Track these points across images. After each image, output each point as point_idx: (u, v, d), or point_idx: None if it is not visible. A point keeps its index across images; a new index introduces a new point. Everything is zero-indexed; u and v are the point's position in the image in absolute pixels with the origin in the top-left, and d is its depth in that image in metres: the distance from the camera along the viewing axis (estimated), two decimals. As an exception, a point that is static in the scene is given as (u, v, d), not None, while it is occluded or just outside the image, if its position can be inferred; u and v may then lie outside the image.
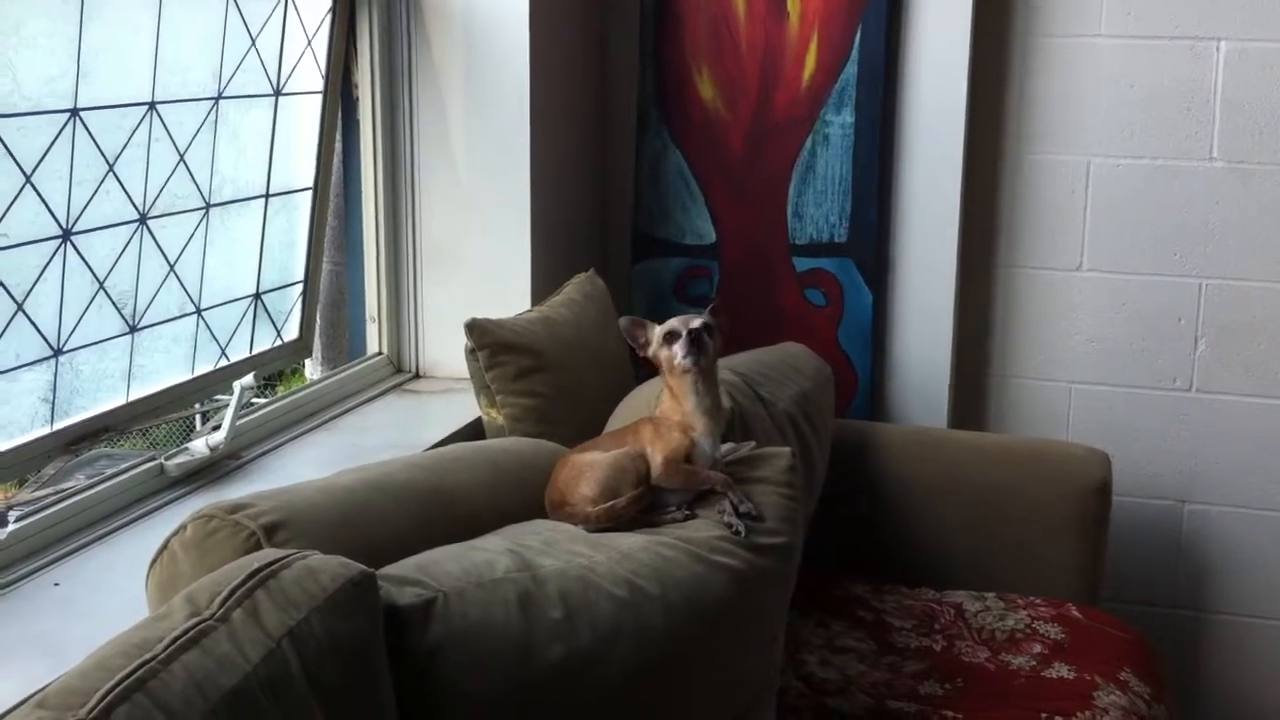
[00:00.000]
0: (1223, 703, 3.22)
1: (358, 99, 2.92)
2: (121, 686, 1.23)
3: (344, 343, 6.57)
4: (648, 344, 2.02)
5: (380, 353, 2.97)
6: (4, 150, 1.92)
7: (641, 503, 1.90)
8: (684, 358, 1.95)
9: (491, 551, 1.72)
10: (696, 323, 1.97)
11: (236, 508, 1.66)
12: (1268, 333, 3.06)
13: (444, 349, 2.92)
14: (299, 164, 2.70)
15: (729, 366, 2.41)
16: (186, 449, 2.32)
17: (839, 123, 3.02)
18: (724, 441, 2.03)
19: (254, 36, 2.47)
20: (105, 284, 2.18)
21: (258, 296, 2.63)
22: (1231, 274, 3.05)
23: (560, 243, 3.00)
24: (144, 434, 6.34)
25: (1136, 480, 3.13)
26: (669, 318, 2.03)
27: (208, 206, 2.41)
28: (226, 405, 2.39)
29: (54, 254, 2.06)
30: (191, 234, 2.38)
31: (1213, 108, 3.00)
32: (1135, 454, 3.12)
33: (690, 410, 1.95)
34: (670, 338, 1.98)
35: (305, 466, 2.36)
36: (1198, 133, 3.01)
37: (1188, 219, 3.05)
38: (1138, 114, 3.04)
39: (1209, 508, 3.15)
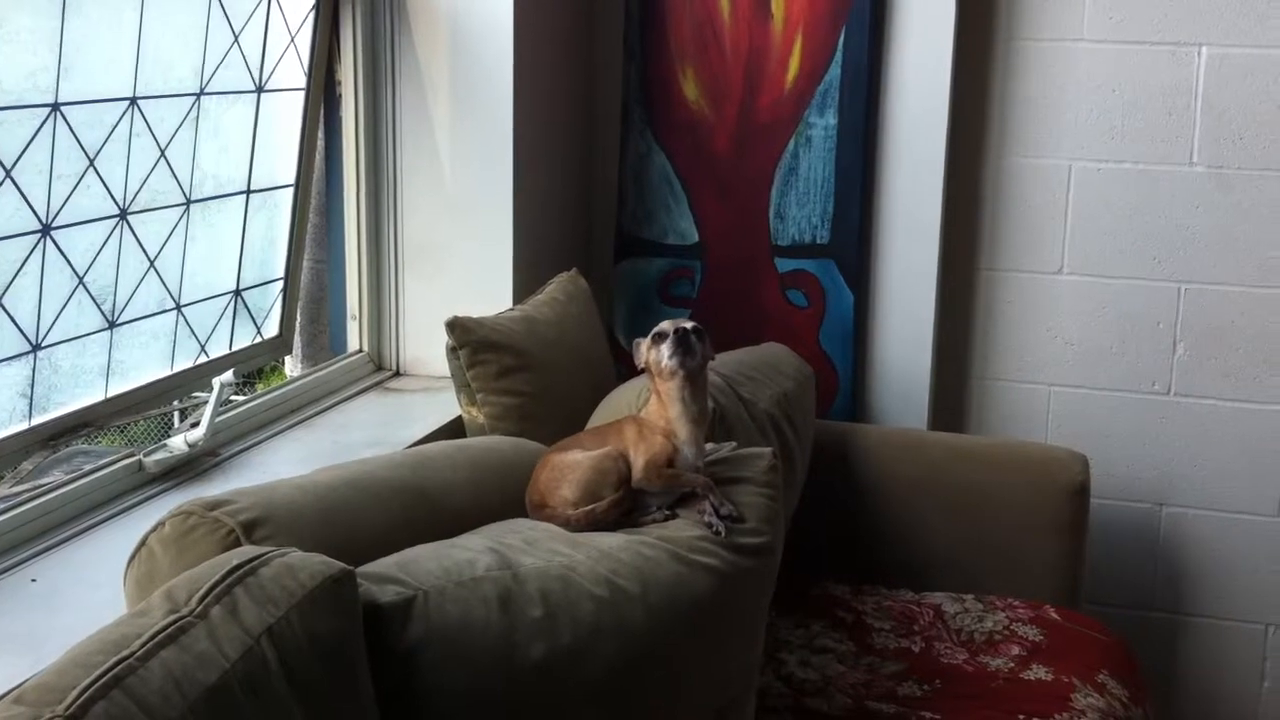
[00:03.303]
0: (1199, 704, 3.23)
1: (340, 96, 2.91)
2: (99, 683, 1.22)
3: (324, 340, 6.53)
4: (639, 356, 2.00)
5: (361, 350, 2.96)
6: (-16, 144, 1.92)
7: (621, 506, 1.90)
8: (670, 358, 1.93)
9: (472, 550, 1.72)
10: (686, 324, 1.96)
11: (215, 504, 1.66)
12: (1246, 337, 3.07)
13: (425, 347, 2.91)
14: (281, 161, 2.70)
15: (709, 367, 2.41)
16: (165, 445, 2.31)
17: (822, 125, 3.03)
18: (706, 442, 2.02)
19: (237, 32, 2.46)
20: (85, 279, 2.17)
21: (238, 293, 2.62)
22: (1211, 278, 3.07)
23: (543, 242, 3.00)
24: (121, 430, 6.31)
25: (1115, 483, 3.14)
26: (651, 318, 2.02)
27: (188, 203, 2.40)
28: (205, 402, 2.38)
29: (33, 248, 2.05)
30: (172, 230, 2.38)
31: (1193, 113, 3.01)
32: (1114, 457, 3.14)
33: (675, 417, 1.94)
34: (659, 338, 1.96)
35: (285, 464, 2.35)
36: (1178, 137, 3.03)
37: (1168, 223, 3.07)
38: (1119, 118, 3.05)
39: (1186, 511, 3.17)
